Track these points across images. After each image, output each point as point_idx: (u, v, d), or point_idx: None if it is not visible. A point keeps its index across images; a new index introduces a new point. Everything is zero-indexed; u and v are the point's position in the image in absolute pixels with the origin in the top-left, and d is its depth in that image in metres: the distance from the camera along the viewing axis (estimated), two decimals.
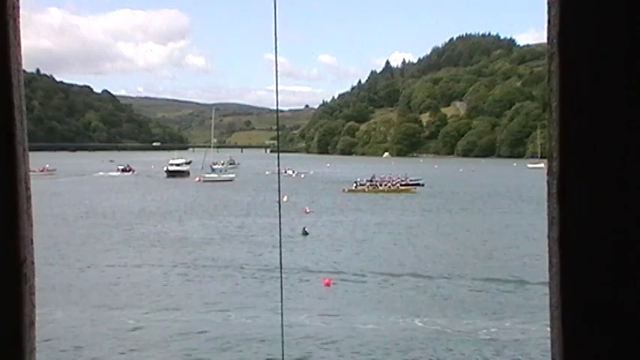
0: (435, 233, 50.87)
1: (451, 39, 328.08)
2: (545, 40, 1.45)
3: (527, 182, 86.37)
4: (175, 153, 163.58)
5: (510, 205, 69.58)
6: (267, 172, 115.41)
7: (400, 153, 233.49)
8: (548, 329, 1.36)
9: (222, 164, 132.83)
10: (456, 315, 27.39)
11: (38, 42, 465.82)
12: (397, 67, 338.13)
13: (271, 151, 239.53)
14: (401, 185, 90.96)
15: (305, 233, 48.59)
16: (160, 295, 31.10)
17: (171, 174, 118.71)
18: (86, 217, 59.85)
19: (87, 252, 41.94)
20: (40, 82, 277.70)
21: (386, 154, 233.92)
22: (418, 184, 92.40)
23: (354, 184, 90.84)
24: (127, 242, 46.46)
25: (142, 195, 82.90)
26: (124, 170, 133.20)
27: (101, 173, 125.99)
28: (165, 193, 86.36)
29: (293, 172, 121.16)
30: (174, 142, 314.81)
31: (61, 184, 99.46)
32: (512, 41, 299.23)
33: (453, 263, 39.16)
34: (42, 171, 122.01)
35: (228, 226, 54.36)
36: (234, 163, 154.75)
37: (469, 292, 32.00)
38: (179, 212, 64.02)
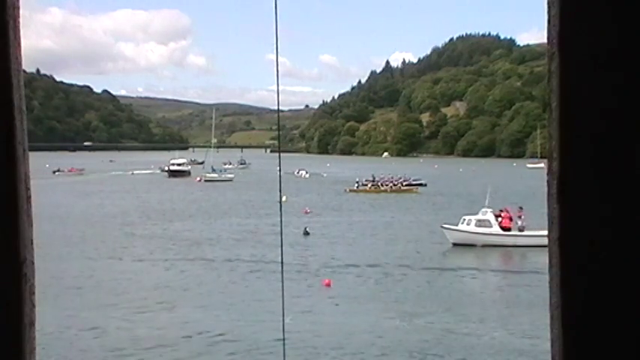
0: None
1: (451, 39, 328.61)
2: (545, 40, 1.45)
3: (527, 182, 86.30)
4: (177, 153, 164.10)
5: (513, 204, 69.50)
6: (296, 174, 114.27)
7: (400, 153, 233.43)
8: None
9: (232, 165, 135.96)
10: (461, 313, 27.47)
11: (39, 42, 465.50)
12: (397, 67, 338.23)
13: (271, 151, 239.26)
14: (403, 185, 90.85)
15: (306, 233, 48.59)
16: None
17: (173, 173, 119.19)
18: (126, 215, 60.93)
19: (134, 252, 42.50)
20: (40, 82, 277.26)
21: (385, 154, 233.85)
22: (421, 185, 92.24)
23: (356, 184, 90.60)
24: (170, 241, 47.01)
25: (159, 193, 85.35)
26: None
27: (135, 172, 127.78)
28: (182, 193, 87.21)
29: (306, 172, 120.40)
30: (175, 142, 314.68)
31: (104, 182, 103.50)
32: (512, 41, 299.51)
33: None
34: (71, 170, 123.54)
35: (248, 225, 54.81)
36: (244, 163, 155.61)
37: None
38: (200, 212, 64.61)
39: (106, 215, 60.23)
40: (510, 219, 45.67)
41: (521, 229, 44.77)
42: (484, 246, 43.19)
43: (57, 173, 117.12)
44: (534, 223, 39.42)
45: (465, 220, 45.96)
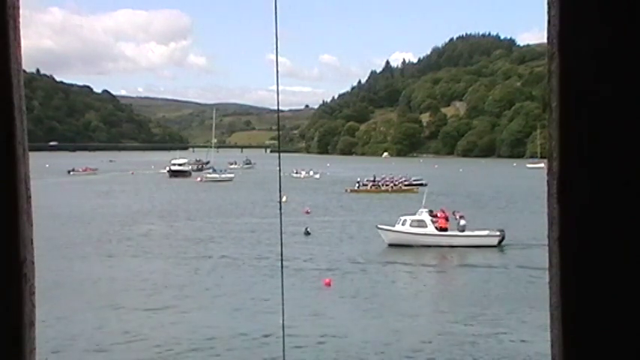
0: None
1: (451, 39, 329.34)
2: (545, 40, 1.44)
3: (527, 182, 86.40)
4: (177, 153, 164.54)
5: (516, 204, 69.63)
6: (294, 174, 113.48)
7: (400, 153, 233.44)
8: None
9: (238, 164, 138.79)
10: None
11: (39, 42, 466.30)
12: (397, 67, 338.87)
13: (271, 151, 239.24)
14: (404, 185, 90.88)
15: (307, 233, 48.63)
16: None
17: (174, 174, 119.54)
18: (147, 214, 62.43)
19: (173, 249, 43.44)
20: (40, 82, 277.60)
21: (385, 154, 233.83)
22: (421, 184, 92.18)
23: (357, 184, 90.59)
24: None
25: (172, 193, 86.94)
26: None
27: (163, 170, 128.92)
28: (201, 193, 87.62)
29: (314, 172, 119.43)
30: (175, 142, 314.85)
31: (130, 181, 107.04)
32: (512, 41, 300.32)
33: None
34: (85, 170, 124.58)
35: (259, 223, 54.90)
36: (249, 163, 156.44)
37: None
38: (202, 212, 64.95)
39: (121, 214, 61.09)
40: (447, 219, 45.29)
41: (461, 230, 44.45)
42: (419, 246, 42.51)
43: (72, 173, 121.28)
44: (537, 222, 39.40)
45: (400, 220, 45.68)
